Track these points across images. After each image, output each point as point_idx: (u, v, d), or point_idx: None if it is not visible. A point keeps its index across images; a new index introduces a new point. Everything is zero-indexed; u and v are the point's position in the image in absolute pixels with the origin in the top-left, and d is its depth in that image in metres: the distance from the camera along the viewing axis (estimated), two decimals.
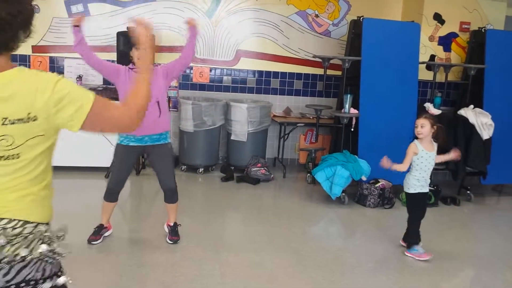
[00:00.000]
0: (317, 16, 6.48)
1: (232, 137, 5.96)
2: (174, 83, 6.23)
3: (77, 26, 3.37)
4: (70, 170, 5.53)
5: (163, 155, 3.67)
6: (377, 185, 4.99)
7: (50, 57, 5.88)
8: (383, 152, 5.21)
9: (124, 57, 5.38)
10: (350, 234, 4.36)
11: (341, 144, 5.36)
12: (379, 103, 5.35)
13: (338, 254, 3.85)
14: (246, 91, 6.44)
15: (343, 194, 4.99)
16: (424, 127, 3.70)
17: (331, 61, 5.72)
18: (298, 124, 6.07)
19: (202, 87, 6.34)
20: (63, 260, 1.63)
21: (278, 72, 6.48)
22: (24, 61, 5.80)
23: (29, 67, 5.79)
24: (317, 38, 6.51)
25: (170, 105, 6.19)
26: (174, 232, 3.86)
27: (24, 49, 5.74)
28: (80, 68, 5.90)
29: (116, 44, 5.52)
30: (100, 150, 5.54)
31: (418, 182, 3.79)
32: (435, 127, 3.71)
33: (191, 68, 6.26)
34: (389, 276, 3.53)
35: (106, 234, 3.85)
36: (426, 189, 3.85)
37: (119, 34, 5.43)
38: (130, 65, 3.63)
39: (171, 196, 3.83)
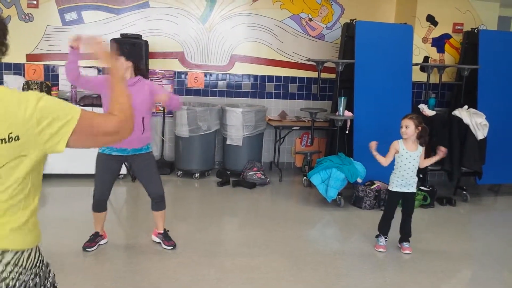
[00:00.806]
0: (310, 20, 6.50)
1: (228, 142, 5.96)
2: (169, 88, 6.24)
3: (74, 48, 3.30)
4: (65, 178, 5.53)
5: (147, 163, 3.65)
6: (372, 187, 4.99)
7: (45, 65, 5.89)
8: (378, 153, 5.25)
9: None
10: (347, 236, 4.36)
11: (336, 147, 5.37)
12: (373, 105, 5.36)
13: (335, 256, 3.85)
14: (241, 96, 6.45)
15: (339, 196, 4.99)
16: (408, 127, 3.73)
17: (325, 64, 5.74)
18: (293, 128, 6.08)
19: (197, 92, 6.35)
20: (56, 267, 1.62)
21: (273, 76, 6.50)
22: (18, 69, 5.81)
23: (24, 75, 5.81)
24: (311, 42, 6.53)
25: (166, 111, 6.20)
26: (168, 238, 3.86)
27: (18, 57, 5.80)
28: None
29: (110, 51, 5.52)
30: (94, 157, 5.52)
31: (397, 181, 3.85)
32: (419, 127, 3.73)
33: (186, 73, 6.28)
34: (385, 278, 3.53)
35: (102, 242, 3.83)
36: (406, 189, 3.86)
37: (113, 41, 5.44)
38: None
39: (160, 203, 3.79)
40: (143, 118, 3.51)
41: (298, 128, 6.10)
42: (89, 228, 3.92)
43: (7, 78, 5.76)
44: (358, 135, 5.25)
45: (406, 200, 3.94)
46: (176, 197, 5.45)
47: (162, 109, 6.20)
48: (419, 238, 4.25)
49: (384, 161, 3.87)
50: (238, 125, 5.84)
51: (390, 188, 3.92)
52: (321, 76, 5.71)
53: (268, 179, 5.80)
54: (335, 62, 5.52)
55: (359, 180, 4.90)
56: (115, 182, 3.77)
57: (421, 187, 5.26)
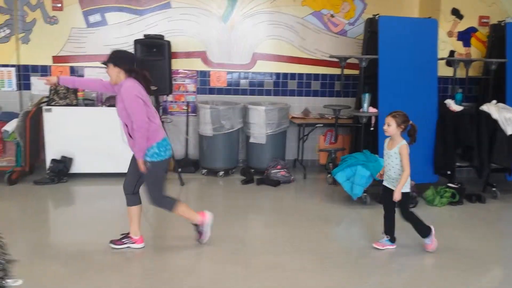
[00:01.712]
0: (332, 16, 6.44)
1: (251, 140, 5.96)
2: (192, 87, 6.28)
3: (55, 84, 3.67)
4: (92, 177, 5.63)
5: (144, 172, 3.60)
6: None
7: (71, 67, 5.99)
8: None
9: (142, 65, 5.47)
10: (373, 235, 4.30)
11: (361, 144, 5.31)
12: (398, 101, 5.27)
13: (361, 255, 3.81)
14: (264, 94, 6.44)
15: (365, 194, 4.93)
16: (390, 125, 3.66)
17: (348, 61, 5.67)
18: (317, 125, 6.04)
19: (219, 91, 6.36)
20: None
21: (295, 73, 6.47)
22: (45, 71, 5.93)
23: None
24: (333, 38, 6.47)
25: (189, 110, 6.24)
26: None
27: (45, 59, 5.91)
28: (100, 76, 5.97)
29: (133, 52, 5.57)
30: (123, 157, 5.59)
31: (384, 175, 3.85)
32: (402, 126, 3.64)
33: (208, 72, 6.30)
34: (413, 276, 3.48)
35: (134, 246, 3.77)
36: (387, 184, 3.79)
37: (137, 42, 5.50)
38: None
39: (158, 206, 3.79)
40: (126, 125, 3.51)
41: (321, 125, 6.06)
42: (116, 226, 3.98)
43: (34, 80, 5.89)
44: (383, 132, 5.17)
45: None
46: (200, 195, 5.48)
47: (185, 108, 6.24)
48: (447, 235, 4.17)
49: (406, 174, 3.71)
50: (261, 123, 5.83)
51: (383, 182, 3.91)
52: (344, 73, 5.65)
53: (292, 177, 5.78)
54: (359, 58, 5.45)
55: None
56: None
57: (449, 184, 5.16)
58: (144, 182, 3.65)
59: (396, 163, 3.70)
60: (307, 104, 6.48)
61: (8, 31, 5.75)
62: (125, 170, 5.60)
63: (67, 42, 5.93)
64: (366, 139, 5.38)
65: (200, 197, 5.43)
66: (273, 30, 6.33)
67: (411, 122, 3.70)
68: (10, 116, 5.49)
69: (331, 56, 5.94)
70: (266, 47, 6.36)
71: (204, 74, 6.31)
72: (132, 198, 3.76)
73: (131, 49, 5.76)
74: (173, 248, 3.84)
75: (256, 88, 6.44)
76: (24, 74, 5.91)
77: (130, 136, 3.52)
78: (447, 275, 3.48)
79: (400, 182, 3.65)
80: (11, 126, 5.26)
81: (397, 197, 3.66)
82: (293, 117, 6.21)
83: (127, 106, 3.41)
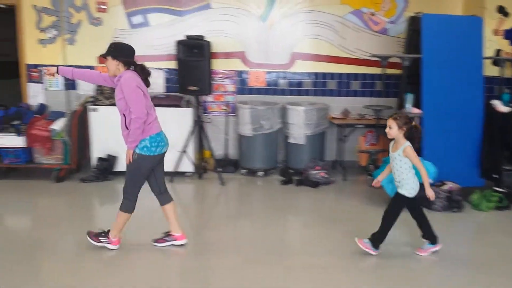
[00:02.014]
0: (373, 14, 6.35)
1: (290, 140, 5.96)
2: (231, 87, 6.32)
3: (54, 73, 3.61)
4: None
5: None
6: (444, 187, 4.81)
7: None
8: (449, 152, 5.06)
9: (184, 65, 5.56)
10: (415, 238, 4.23)
11: None
12: (442, 101, 5.16)
13: (402, 259, 3.76)
14: (303, 94, 6.42)
15: None
16: (391, 128, 3.59)
17: (390, 60, 5.58)
18: (357, 126, 5.98)
19: (258, 91, 6.38)
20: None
21: (335, 73, 6.41)
22: None
23: None
24: (374, 37, 6.38)
25: (229, 110, 6.28)
26: (97, 235, 3.80)
27: (90, 60, 6.07)
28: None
29: (176, 53, 5.66)
30: (165, 156, 5.71)
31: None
32: (404, 128, 3.55)
33: (247, 72, 6.33)
34: (458, 281, 3.40)
35: (176, 243, 3.84)
36: (399, 190, 3.69)
37: (179, 43, 5.58)
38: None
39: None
40: (124, 115, 3.55)
41: (362, 126, 5.99)
42: (157, 224, 4.06)
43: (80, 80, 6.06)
44: (427, 133, 5.07)
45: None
46: (240, 195, 5.53)
47: (225, 108, 6.29)
48: (493, 241, 4.06)
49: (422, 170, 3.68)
50: (300, 124, 5.82)
51: None
52: (386, 72, 5.56)
53: (331, 178, 5.74)
54: (401, 57, 5.36)
55: (429, 181, 4.73)
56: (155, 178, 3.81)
57: (496, 188, 5.01)
58: (126, 170, 3.66)
59: (400, 165, 3.63)
60: (346, 104, 6.42)
61: (55, 32, 5.95)
62: (167, 169, 5.74)
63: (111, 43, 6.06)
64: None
65: (239, 197, 5.47)
66: (312, 29, 6.29)
67: (414, 123, 3.62)
68: (57, 115, 5.68)
69: (372, 55, 5.86)
70: (305, 47, 6.33)
71: (243, 74, 6.34)
72: (162, 198, 3.83)
73: (173, 49, 5.87)
74: (212, 247, 3.88)
75: (295, 88, 6.43)
76: None
77: (126, 128, 3.55)
78: (497, 281, 3.39)
79: (424, 182, 3.60)
80: (59, 125, 5.44)
81: (431, 194, 3.61)
82: (332, 118, 6.16)
83: (126, 97, 3.44)
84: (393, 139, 3.69)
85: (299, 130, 5.84)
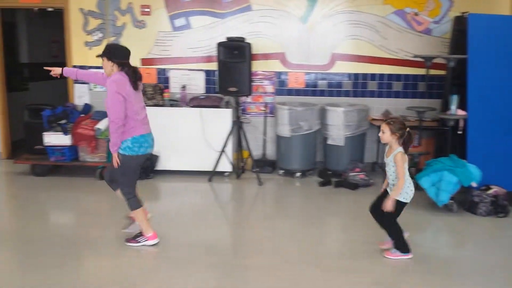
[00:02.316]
0: (416, 14, 6.21)
1: (329, 142, 5.91)
2: (270, 88, 6.34)
3: (59, 74, 3.83)
4: (180, 174, 5.88)
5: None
6: (489, 191, 4.64)
7: (157, 69, 6.29)
8: (495, 155, 4.87)
9: (224, 66, 5.62)
10: (459, 243, 4.11)
11: (447, 148, 5.07)
12: (489, 103, 4.97)
13: (446, 264, 3.64)
14: (342, 95, 6.35)
15: (451, 201, 4.70)
16: (384, 133, 3.54)
17: (433, 60, 5.43)
18: None
19: (297, 92, 6.37)
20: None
21: (376, 74, 6.31)
22: None
23: None
24: (417, 37, 6.23)
25: (267, 111, 6.30)
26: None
27: (134, 61, 6.20)
28: (184, 78, 6.24)
29: (217, 54, 5.73)
30: (204, 156, 5.82)
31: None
32: (397, 134, 3.48)
33: (286, 73, 6.33)
34: None
35: (148, 243, 3.85)
36: (389, 190, 3.63)
37: (220, 45, 5.64)
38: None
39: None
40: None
41: None
42: (196, 222, 4.12)
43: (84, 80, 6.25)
44: (473, 136, 4.91)
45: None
46: (277, 195, 5.53)
47: (263, 109, 6.32)
48: None
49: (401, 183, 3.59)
50: (339, 125, 5.76)
51: None
52: (429, 73, 5.42)
53: (371, 180, 5.65)
54: (446, 58, 5.21)
55: (474, 184, 4.57)
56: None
57: None
58: (117, 173, 3.74)
59: (393, 171, 3.56)
60: (387, 105, 6.30)
61: (100, 34, 6.16)
62: (206, 168, 5.84)
63: (154, 45, 6.22)
64: (453, 143, 5.12)
65: (277, 198, 5.47)
66: (353, 30, 6.22)
67: (408, 129, 3.53)
68: (102, 115, 5.86)
69: (415, 56, 5.73)
70: (345, 47, 6.27)
71: (282, 75, 6.35)
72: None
73: (214, 51, 5.95)
74: (252, 246, 3.90)
75: (335, 89, 6.37)
76: None
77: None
78: None
79: (393, 191, 3.53)
80: (103, 124, 5.62)
81: (387, 206, 3.51)
82: (373, 119, 6.07)
83: (106, 99, 3.54)
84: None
85: (338, 132, 5.78)
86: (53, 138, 5.71)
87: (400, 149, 3.53)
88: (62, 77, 3.97)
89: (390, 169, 3.61)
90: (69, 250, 3.76)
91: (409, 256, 3.67)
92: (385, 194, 3.69)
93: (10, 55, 7.00)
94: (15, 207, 4.85)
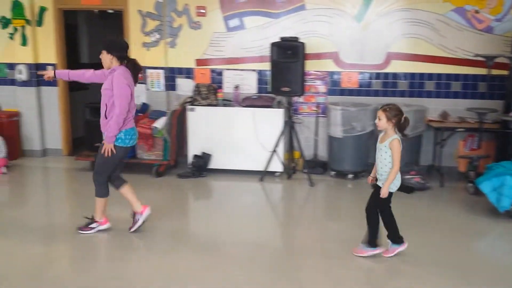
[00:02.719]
0: (477, 12, 5.96)
1: None
2: (323, 88, 6.30)
3: (53, 77, 4.00)
4: (232, 173, 5.97)
5: (101, 149, 3.86)
6: None
7: (211, 69, 6.40)
8: None
9: (277, 66, 5.64)
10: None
11: (510, 151, 4.85)
12: None
13: (508, 272, 3.49)
14: (397, 95, 6.20)
15: None
16: (380, 119, 3.55)
17: (495, 60, 5.20)
18: (457, 129, 5.64)
19: (350, 92, 6.28)
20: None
21: (433, 73, 6.12)
22: (189, 73, 6.42)
23: (193, 79, 6.39)
24: (478, 36, 5.98)
25: (319, 111, 6.26)
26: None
27: (189, 62, 6.39)
28: (237, 78, 6.31)
29: (270, 54, 5.75)
30: (256, 156, 5.87)
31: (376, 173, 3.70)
32: (393, 120, 3.49)
33: (339, 73, 6.26)
34: None
35: (101, 228, 4.08)
36: (381, 183, 3.64)
37: (273, 45, 5.66)
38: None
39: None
40: (106, 105, 3.76)
41: (462, 130, 5.65)
42: (248, 220, 4.16)
43: (180, 81, 6.41)
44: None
45: (373, 192, 3.73)
46: (329, 197, 5.49)
47: (315, 109, 6.28)
48: None
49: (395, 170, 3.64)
50: None
51: None
52: (491, 73, 5.20)
53: (427, 184, 5.49)
54: (509, 57, 4.98)
55: None
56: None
57: None
58: (96, 159, 3.91)
59: (385, 157, 3.58)
60: (445, 106, 6.09)
61: (158, 36, 6.34)
62: (257, 168, 5.89)
63: (209, 45, 6.34)
64: None
65: (328, 199, 5.43)
66: (410, 28, 6.06)
67: (404, 115, 3.54)
68: (158, 114, 6.05)
69: (476, 55, 5.51)
70: (401, 46, 6.12)
71: (335, 75, 6.28)
72: (117, 183, 4.05)
73: (266, 51, 5.99)
74: (303, 246, 3.89)
75: (389, 89, 6.23)
76: (171, 76, 6.46)
77: (106, 117, 3.76)
78: None
79: (388, 178, 3.54)
80: (160, 123, 5.79)
81: (383, 193, 3.54)
82: (430, 120, 5.88)
83: (115, 92, 3.67)
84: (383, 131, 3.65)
85: None
86: None
87: (396, 136, 3.55)
88: (55, 79, 4.15)
89: (381, 155, 3.61)
90: (124, 243, 3.91)
91: (405, 246, 3.71)
92: (377, 190, 3.68)
93: (71, 56, 7.33)
94: (75, 203, 5.08)
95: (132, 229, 4.07)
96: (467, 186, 5.43)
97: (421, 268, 3.54)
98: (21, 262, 3.50)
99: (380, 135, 3.68)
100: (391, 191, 3.63)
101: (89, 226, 4.06)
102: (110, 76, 3.77)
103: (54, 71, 4.18)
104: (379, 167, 3.65)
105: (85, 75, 4.09)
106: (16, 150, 6.60)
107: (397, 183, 3.64)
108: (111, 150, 3.80)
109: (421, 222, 4.54)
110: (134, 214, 4.11)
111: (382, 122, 3.54)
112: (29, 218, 4.27)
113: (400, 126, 3.54)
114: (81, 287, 3.18)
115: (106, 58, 3.81)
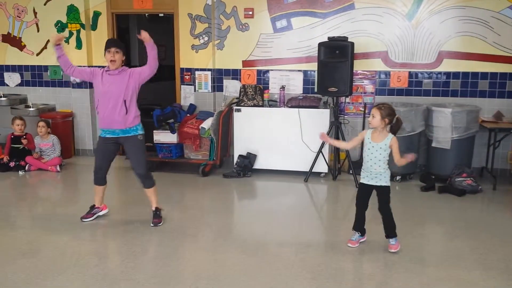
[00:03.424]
0: None
1: (434, 144, 5.62)
2: (371, 88, 6.20)
3: (59, 44, 4.09)
4: (277, 173, 5.99)
5: (132, 145, 4.17)
6: None
7: (257, 70, 6.44)
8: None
9: (324, 66, 5.60)
10: None
11: None
12: None
13: None
14: (449, 95, 6.01)
15: None
16: (374, 117, 3.61)
17: None
18: None
19: (399, 92, 6.15)
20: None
21: (487, 72, 5.88)
22: (236, 74, 6.50)
23: (240, 80, 6.46)
24: None
25: (366, 111, 6.16)
26: (155, 215, 4.32)
27: (236, 63, 6.47)
28: (283, 79, 6.33)
29: (317, 54, 5.73)
30: (301, 156, 5.86)
31: (363, 173, 3.77)
32: (387, 119, 3.58)
33: (388, 73, 6.13)
34: None
35: (100, 213, 4.47)
36: (375, 182, 3.72)
37: (321, 45, 5.63)
38: (106, 68, 4.13)
39: (143, 181, 4.28)
40: (125, 101, 4.04)
41: None
42: (292, 221, 4.14)
43: (227, 82, 6.51)
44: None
45: (377, 194, 3.77)
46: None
47: (362, 109, 6.19)
48: None
49: (344, 145, 4.05)
50: (446, 127, 5.45)
51: (360, 180, 3.83)
52: None
53: (479, 187, 5.28)
54: None
55: None
56: (113, 159, 4.37)
57: None
58: (134, 156, 4.22)
59: (384, 155, 3.65)
60: (499, 106, 5.84)
61: (206, 38, 6.45)
62: (302, 169, 5.87)
63: (256, 47, 6.38)
64: None
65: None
66: (463, 26, 5.85)
67: (397, 116, 3.65)
68: (206, 114, 6.15)
69: None
70: (454, 45, 5.92)
71: (383, 75, 6.17)
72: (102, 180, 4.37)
73: (313, 51, 5.97)
74: (344, 249, 3.84)
75: (441, 88, 6.04)
76: (218, 77, 6.56)
77: (126, 111, 4.06)
78: None
79: (406, 159, 3.64)
80: (207, 124, 5.89)
81: (410, 157, 3.63)
82: (483, 121, 5.65)
83: (147, 67, 4.11)
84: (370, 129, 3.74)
85: (445, 134, 5.48)
86: (162, 136, 6.11)
87: (392, 134, 3.67)
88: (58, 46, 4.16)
89: (380, 154, 3.65)
90: (170, 239, 4.01)
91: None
92: (370, 189, 3.77)
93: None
94: (124, 200, 5.25)
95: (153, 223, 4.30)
96: None
97: (473, 273, 3.41)
98: (74, 258, 3.66)
99: (369, 133, 3.73)
100: (387, 185, 3.76)
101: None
102: (124, 73, 4.10)
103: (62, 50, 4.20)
104: (371, 164, 3.70)
105: (71, 67, 4.25)
106: (69, 149, 6.93)
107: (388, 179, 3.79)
108: (140, 138, 4.23)
109: (473, 226, 4.37)
110: (156, 210, 4.37)
111: (376, 119, 3.61)
112: (81, 215, 4.45)
113: (393, 126, 3.65)
114: (129, 282, 3.28)
115: (121, 58, 4.11)
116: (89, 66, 6.85)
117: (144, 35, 4.01)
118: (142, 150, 4.26)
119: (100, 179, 4.38)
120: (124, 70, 4.13)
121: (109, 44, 4.10)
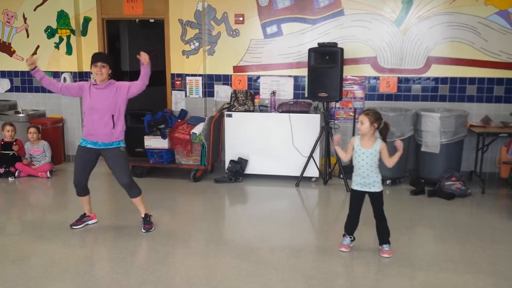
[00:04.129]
0: None
1: (423, 149, 5.68)
2: (360, 94, 6.25)
3: (34, 68, 4.05)
4: (268, 178, 6.01)
5: (115, 156, 4.14)
6: None
7: (248, 76, 6.47)
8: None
9: (314, 72, 5.65)
10: None
11: None
12: None
13: None
14: (437, 100, 6.09)
15: None
16: (363, 123, 3.64)
17: None
18: (500, 135, 5.48)
19: (389, 97, 6.21)
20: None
21: (475, 77, 5.97)
22: (227, 80, 6.52)
23: (231, 85, 6.48)
24: None
25: (356, 116, 6.21)
26: (146, 222, 4.30)
27: (227, 69, 6.49)
28: (274, 84, 6.36)
29: (307, 60, 5.77)
30: (292, 161, 5.89)
31: (356, 179, 3.78)
32: (375, 124, 3.62)
33: (377, 78, 6.20)
34: None
35: (90, 222, 4.44)
36: (368, 188, 3.75)
37: (311, 51, 5.68)
38: (93, 81, 4.15)
39: (128, 191, 4.25)
40: (112, 116, 4.05)
41: (506, 135, 5.47)
42: (284, 225, 4.15)
43: (218, 87, 6.52)
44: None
45: (371, 201, 3.79)
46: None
47: (352, 114, 6.24)
48: None
49: (344, 156, 3.87)
50: (435, 131, 5.51)
51: (351, 186, 3.86)
52: None
53: (469, 190, 5.35)
54: None
55: None
56: (92, 170, 4.32)
57: None
58: (117, 167, 4.17)
59: (375, 161, 3.69)
60: (487, 111, 5.93)
61: (197, 43, 6.47)
62: (293, 173, 5.89)
63: (246, 52, 6.41)
64: None
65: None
66: (451, 32, 5.93)
67: (384, 120, 3.69)
68: (197, 120, 6.15)
69: None
70: (442, 50, 6.00)
71: (373, 80, 6.22)
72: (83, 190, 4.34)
73: (303, 57, 6.01)
74: (335, 252, 3.86)
75: (429, 93, 6.12)
76: (209, 82, 6.58)
77: (113, 125, 4.06)
78: None
79: (396, 155, 3.69)
80: (198, 129, 5.90)
81: (398, 146, 3.66)
82: (471, 126, 5.73)
83: (130, 93, 4.11)
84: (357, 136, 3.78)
85: (434, 138, 5.54)
86: (153, 142, 6.10)
87: (380, 140, 3.71)
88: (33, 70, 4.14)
89: (371, 160, 3.69)
90: (160, 244, 4.00)
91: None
92: (362, 196, 3.79)
93: (114, 64, 7.57)
94: (117, 206, 5.22)
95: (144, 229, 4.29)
96: (510, 192, 5.25)
97: (463, 276, 3.45)
98: (64, 265, 3.63)
99: (357, 140, 3.75)
100: (380, 190, 3.80)
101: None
102: (111, 87, 4.09)
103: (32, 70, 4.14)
104: (363, 170, 3.73)
105: (56, 85, 4.27)
106: (60, 155, 6.89)
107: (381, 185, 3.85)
108: (122, 150, 4.18)
109: (463, 229, 4.42)
110: (146, 216, 4.34)
111: (365, 126, 3.64)
112: (72, 222, 4.42)
113: (382, 131, 3.69)
114: None
115: (106, 72, 4.10)
116: (79, 72, 6.85)
117: (144, 57, 4.03)
118: (125, 160, 4.24)
119: (82, 191, 4.35)
120: (111, 83, 4.13)
121: (95, 59, 4.10)
